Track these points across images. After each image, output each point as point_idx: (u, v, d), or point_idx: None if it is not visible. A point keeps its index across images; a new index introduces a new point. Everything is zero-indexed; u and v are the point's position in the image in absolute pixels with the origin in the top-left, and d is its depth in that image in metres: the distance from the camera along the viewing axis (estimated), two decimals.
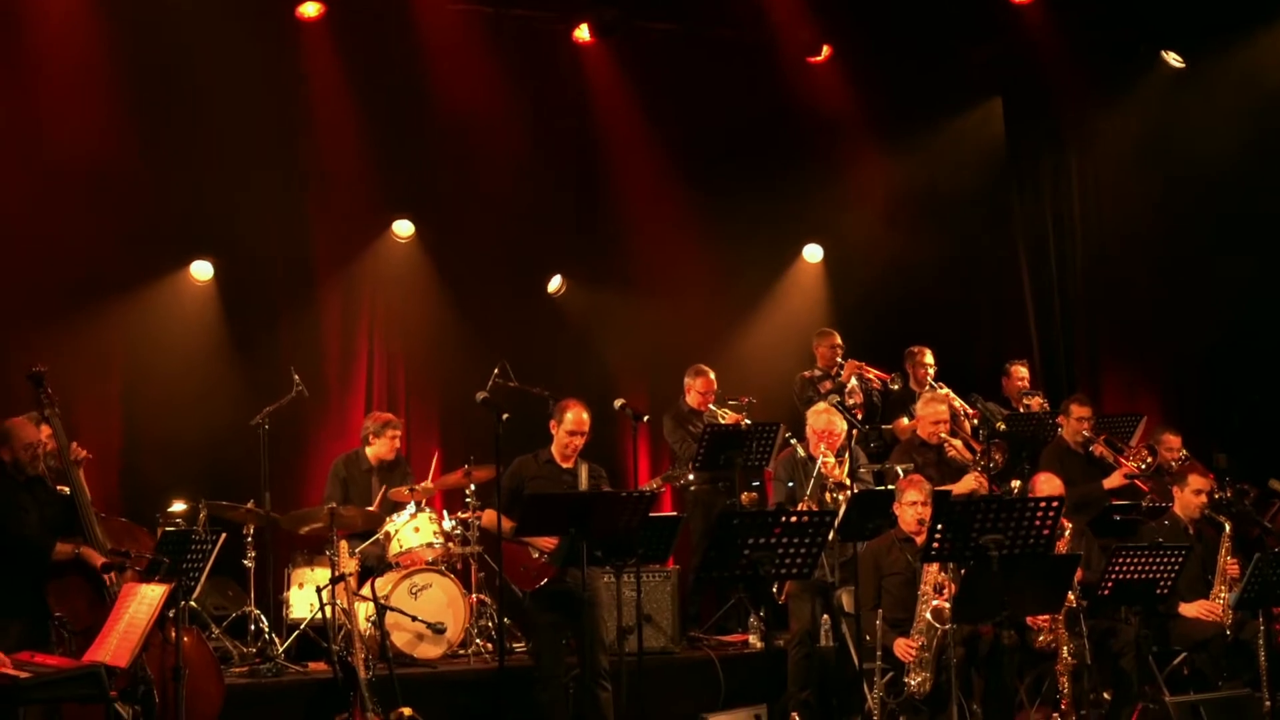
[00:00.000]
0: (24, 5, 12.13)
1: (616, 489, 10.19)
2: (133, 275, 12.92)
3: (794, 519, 8.35)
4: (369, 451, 11.67)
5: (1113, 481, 11.75)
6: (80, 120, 12.30)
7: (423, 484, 11.65)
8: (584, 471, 9.86)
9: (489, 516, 9.72)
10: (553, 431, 9.85)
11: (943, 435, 11.54)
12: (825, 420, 10.62)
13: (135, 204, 12.62)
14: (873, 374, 13.03)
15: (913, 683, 9.43)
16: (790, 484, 10.74)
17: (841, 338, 13.34)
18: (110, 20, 12.27)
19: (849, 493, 10.26)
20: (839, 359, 13.13)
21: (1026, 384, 13.64)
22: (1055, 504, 8.83)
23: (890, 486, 10.33)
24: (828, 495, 10.26)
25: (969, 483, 11.10)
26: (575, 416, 9.78)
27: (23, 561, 8.42)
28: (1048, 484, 10.51)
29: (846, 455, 10.63)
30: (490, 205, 13.83)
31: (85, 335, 12.47)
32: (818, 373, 13.10)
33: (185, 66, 12.51)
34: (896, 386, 12.99)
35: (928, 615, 9.38)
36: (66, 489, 8.85)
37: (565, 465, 9.81)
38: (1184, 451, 12.20)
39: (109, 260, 12.69)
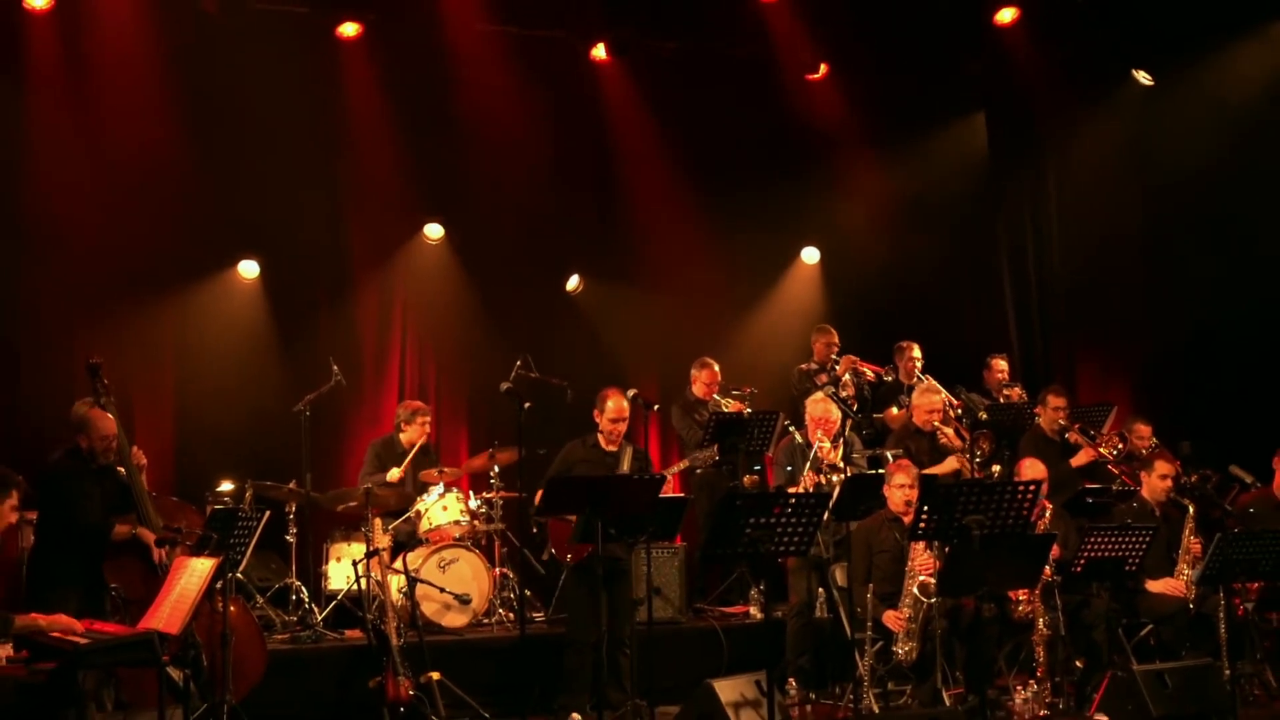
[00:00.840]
0: (90, 26, 12.16)
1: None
2: (186, 273, 12.95)
3: (792, 500, 8.36)
4: (402, 437, 11.69)
5: (1079, 459, 11.74)
6: (140, 131, 12.35)
7: (451, 469, 11.70)
8: (627, 454, 9.90)
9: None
10: (596, 420, 9.92)
11: (935, 424, 11.51)
12: (822, 409, 10.65)
13: (188, 208, 12.65)
14: (867, 368, 13.02)
15: (900, 651, 9.43)
16: (790, 468, 10.76)
17: (836, 333, 13.32)
18: (168, 39, 12.30)
19: (842, 475, 10.25)
20: (834, 355, 13.11)
21: (1006, 376, 13.61)
22: (1032, 487, 8.83)
23: (883, 471, 10.33)
24: (822, 477, 10.25)
25: (950, 464, 11.12)
26: (615, 405, 9.87)
27: (84, 542, 8.44)
28: (1031, 469, 10.48)
29: (841, 441, 10.63)
30: (514, 209, 13.81)
31: (142, 328, 12.52)
32: (814, 365, 13.09)
33: (235, 81, 12.52)
34: (890, 379, 12.98)
35: (914, 589, 9.38)
36: (122, 469, 8.87)
37: (609, 449, 9.87)
38: (1154, 440, 12.16)
39: (164, 259, 12.73)
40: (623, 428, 9.94)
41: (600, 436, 9.94)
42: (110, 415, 8.72)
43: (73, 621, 7.43)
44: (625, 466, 9.86)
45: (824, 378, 12.83)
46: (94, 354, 8.97)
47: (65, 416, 8.89)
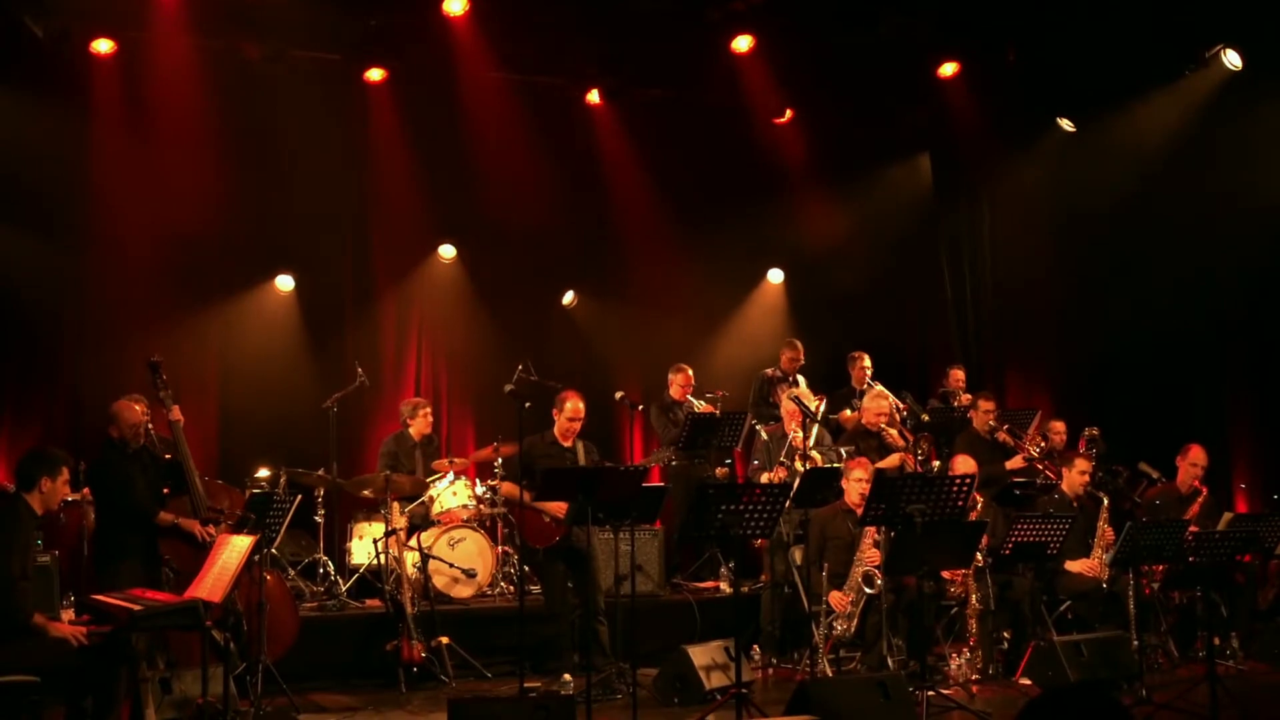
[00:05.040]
0: (148, 69, 12.14)
1: (615, 464, 10.13)
2: (229, 286, 12.99)
3: (757, 490, 8.36)
4: (411, 431, 11.66)
5: (1014, 463, 11.70)
6: (190, 161, 12.31)
7: (460, 459, 11.71)
8: (580, 448, 9.82)
9: (507, 487, 9.65)
10: (555, 417, 9.79)
11: (882, 425, 11.47)
12: (794, 405, 10.69)
13: (232, 228, 12.66)
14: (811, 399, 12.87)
15: (839, 627, 9.46)
16: (756, 463, 10.78)
17: (802, 350, 13.26)
18: (216, 81, 12.28)
19: (812, 463, 10.27)
20: (797, 368, 13.01)
21: (962, 384, 13.57)
22: (968, 481, 8.82)
23: (838, 465, 10.33)
24: (798, 463, 10.26)
25: (894, 460, 11.08)
26: (574, 406, 9.73)
27: (136, 521, 8.41)
28: (964, 464, 10.45)
29: (812, 431, 10.68)
30: (517, 233, 13.81)
31: (191, 333, 12.52)
32: (778, 374, 13.02)
33: (274, 119, 12.53)
34: (832, 417, 12.79)
35: (859, 578, 9.39)
36: (170, 455, 8.85)
37: (566, 444, 9.77)
38: (1064, 435, 12.29)
39: (211, 273, 12.78)
40: (578, 426, 9.77)
41: (557, 432, 9.76)
42: (136, 406, 8.73)
43: (78, 630, 7.27)
44: (582, 459, 9.79)
45: (785, 387, 12.78)
46: (154, 353, 8.94)
47: None
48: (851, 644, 9.59)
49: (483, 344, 13.75)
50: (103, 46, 11.95)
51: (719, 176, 14.53)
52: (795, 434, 10.53)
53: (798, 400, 10.87)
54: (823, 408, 11.47)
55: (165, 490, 8.64)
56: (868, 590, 9.31)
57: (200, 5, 11.75)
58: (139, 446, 8.63)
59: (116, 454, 8.54)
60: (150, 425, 8.99)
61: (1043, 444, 11.90)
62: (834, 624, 9.49)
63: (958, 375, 13.63)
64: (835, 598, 9.51)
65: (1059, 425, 12.38)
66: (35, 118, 11.92)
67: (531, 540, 9.69)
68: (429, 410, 11.81)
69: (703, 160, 14.37)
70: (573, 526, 9.06)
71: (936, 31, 13.35)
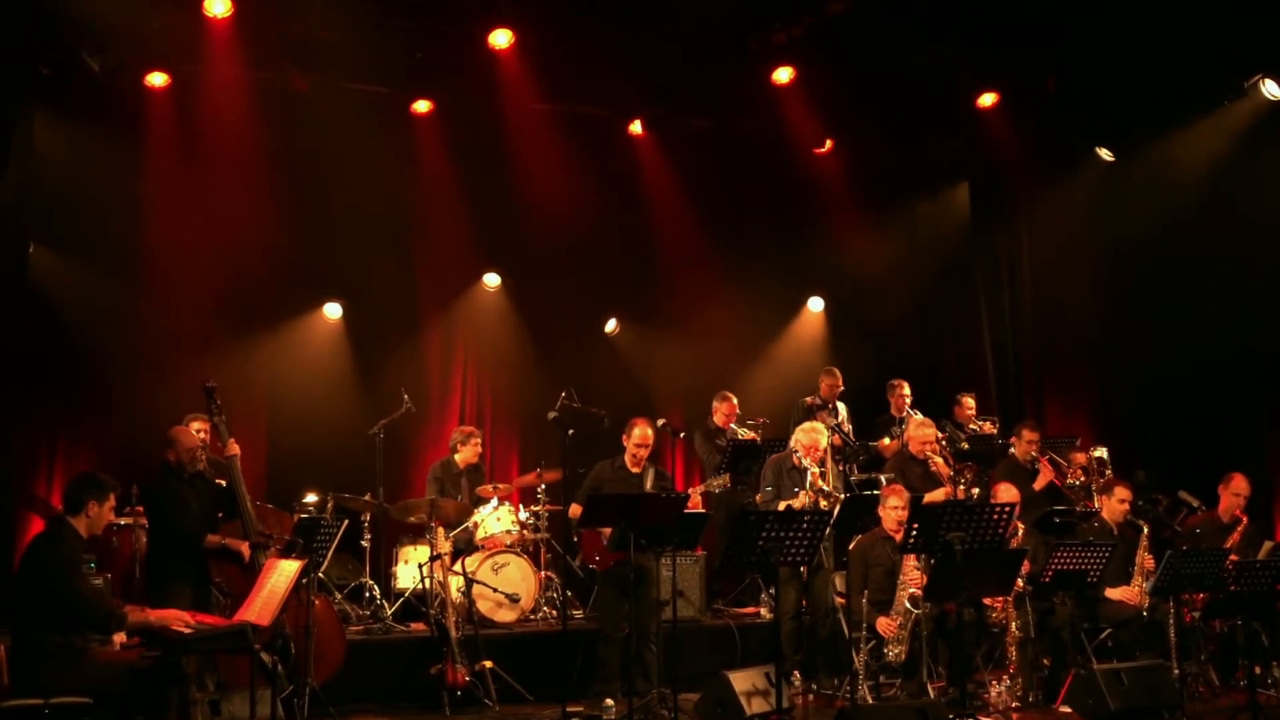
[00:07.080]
0: (201, 101, 12.25)
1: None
2: (279, 314, 13.09)
3: (801, 519, 8.34)
4: (458, 458, 11.70)
5: (1039, 483, 11.64)
6: (242, 191, 12.41)
7: (504, 485, 11.74)
8: (650, 475, 9.86)
9: (574, 509, 9.68)
10: (624, 444, 9.87)
11: (929, 453, 11.38)
12: (811, 438, 10.33)
13: (282, 258, 12.76)
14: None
15: (891, 653, 9.41)
16: (769, 488, 10.52)
17: (839, 371, 13.25)
18: (267, 113, 12.38)
19: (830, 499, 10.09)
20: (837, 395, 12.99)
21: (974, 412, 13.46)
22: (1007, 509, 8.79)
23: (878, 493, 10.28)
24: (823, 501, 10.14)
25: (939, 495, 10.95)
26: (641, 432, 9.83)
27: (187, 544, 8.48)
28: (1006, 493, 10.39)
29: (829, 465, 10.59)
30: (560, 262, 13.87)
31: (241, 360, 12.59)
32: (818, 401, 12.99)
33: (323, 150, 12.61)
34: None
35: (905, 601, 9.35)
36: (223, 481, 8.93)
37: (634, 470, 9.82)
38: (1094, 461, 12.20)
39: (261, 301, 12.86)
40: (646, 452, 9.87)
41: (627, 458, 9.88)
42: (195, 424, 8.86)
43: (180, 614, 7.43)
44: (648, 485, 9.82)
45: (823, 414, 12.75)
46: (209, 378, 9.03)
47: None
48: (892, 670, 9.55)
49: (526, 371, 13.80)
50: (157, 79, 12.11)
51: (760, 205, 14.56)
52: (813, 470, 10.29)
53: (838, 429, 10.81)
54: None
55: (219, 514, 8.72)
56: (915, 611, 9.26)
57: (252, 39, 11.86)
58: (195, 471, 8.72)
59: (172, 477, 8.63)
60: (205, 451, 9.07)
61: (1083, 478, 11.83)
62: (886, 650, 9.45)
63: (968, 403, 13.52)
64: (883, 624, 9.47)
65: (1080, 458, 12.25)
66: (90, 149, 12.05)
67: (594, 563, 9.74)
68: (479, 441, 11.85)
69: (744, 189, 14.40)
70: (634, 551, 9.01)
71: (976, 61, 13.35)
